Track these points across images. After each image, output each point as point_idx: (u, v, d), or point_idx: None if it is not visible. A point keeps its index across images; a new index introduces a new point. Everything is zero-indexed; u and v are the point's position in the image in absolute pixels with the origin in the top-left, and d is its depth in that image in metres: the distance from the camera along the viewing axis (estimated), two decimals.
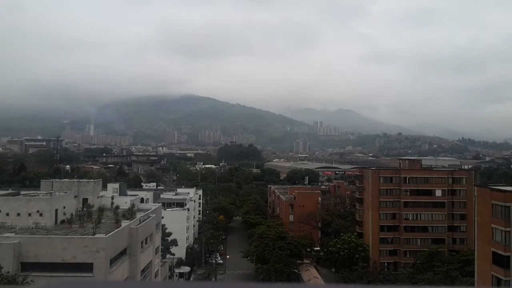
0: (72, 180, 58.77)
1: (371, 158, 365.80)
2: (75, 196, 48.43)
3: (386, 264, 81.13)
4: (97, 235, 34.94)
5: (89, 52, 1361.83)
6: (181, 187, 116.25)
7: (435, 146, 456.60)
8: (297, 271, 75.36)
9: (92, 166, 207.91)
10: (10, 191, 53.60)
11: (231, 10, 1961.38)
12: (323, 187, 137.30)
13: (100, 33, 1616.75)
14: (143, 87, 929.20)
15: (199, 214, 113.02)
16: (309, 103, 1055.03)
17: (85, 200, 49.96)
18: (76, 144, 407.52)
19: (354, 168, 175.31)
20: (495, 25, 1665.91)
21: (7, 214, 39.34)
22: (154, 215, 48.37)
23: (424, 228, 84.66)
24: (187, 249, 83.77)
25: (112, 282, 23.38)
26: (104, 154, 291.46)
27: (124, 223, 39.22)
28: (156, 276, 48.32)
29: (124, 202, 50.65)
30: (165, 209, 75.79)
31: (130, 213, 43.17)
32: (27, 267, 32.39)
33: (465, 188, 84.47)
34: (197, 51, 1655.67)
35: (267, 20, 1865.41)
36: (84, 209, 46.43)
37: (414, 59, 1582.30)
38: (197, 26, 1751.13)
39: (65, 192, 46.43)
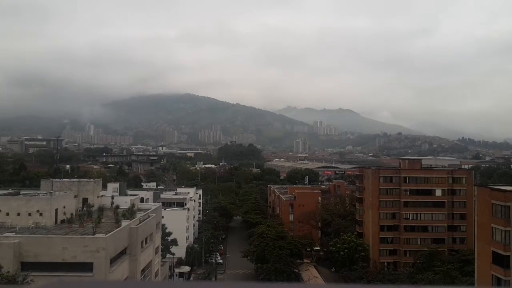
0: (72, 179, 58.84)
1: (371, 158, 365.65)
2: (75, 196, 48.45)
3: (386, 263, 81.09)
4: (97, 235, 34.94)
5: (88, 51, 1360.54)
6: (181, 187, 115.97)
7: (435, 145, 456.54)
8: (297, 270, 75.31)
9: (92, 166, 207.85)
10: (10, 191, 53.55)
11: (231, 8, 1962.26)
12: (323, 186, 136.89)
13: (100, 32, 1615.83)
14: (143, 87, 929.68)
15: (199, 213, 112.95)
16: (309, 103, 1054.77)
17: (85, 200, 49.99)
18: (76, 144, 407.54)
19: (354, 167, 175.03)
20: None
21: (7, 214, 39.36)
22: (154, 214, 48.36)
23: (424, 227, 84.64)
24: (187, 249, 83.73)
25: (112, 281, 23.33)
26: (104, 154, 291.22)
27: (124, 223, 39.21)
28: (156, 275, 48.32)
29: (124, 202, 50.69)
30: (165, 209, 75.69)
31: (130, 212, 43.15)
32: (27, 266, 32.37)
33: (465, 188, 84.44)
34: (197, 50, 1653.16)
35: (266, 21, 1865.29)
36: (84, 208, 46.44)
37: (414, 60, 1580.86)
38: (197, 24, 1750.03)
39: (65, 192, 46.44)
